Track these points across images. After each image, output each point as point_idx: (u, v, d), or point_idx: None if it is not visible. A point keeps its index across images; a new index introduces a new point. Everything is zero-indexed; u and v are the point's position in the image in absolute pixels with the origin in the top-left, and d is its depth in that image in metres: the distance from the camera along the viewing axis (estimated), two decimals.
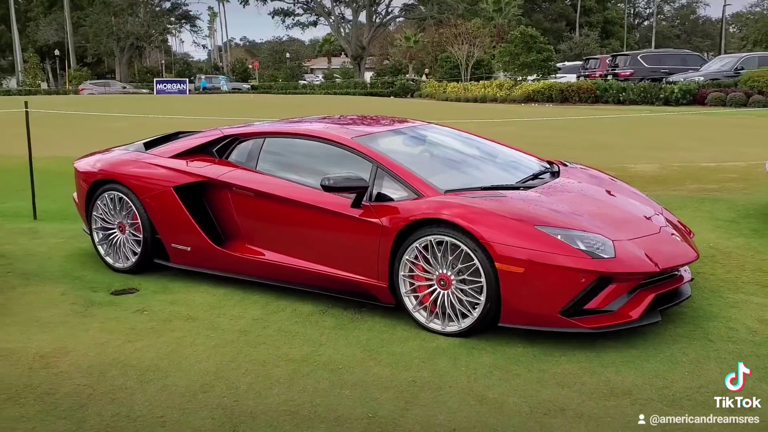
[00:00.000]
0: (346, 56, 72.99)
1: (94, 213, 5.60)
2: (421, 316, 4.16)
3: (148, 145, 5.62)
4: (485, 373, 3.59)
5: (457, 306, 4.01)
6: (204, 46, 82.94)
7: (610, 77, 30.49)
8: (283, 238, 4.75)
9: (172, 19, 70.71)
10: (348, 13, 65.84)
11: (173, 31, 75.62)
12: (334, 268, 4.51)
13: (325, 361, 3.78)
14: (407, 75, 54.56)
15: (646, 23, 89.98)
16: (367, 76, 60.95)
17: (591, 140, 14.94)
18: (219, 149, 5.25)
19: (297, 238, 4.67)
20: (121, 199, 5.41)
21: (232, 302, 4.78)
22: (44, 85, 61.90)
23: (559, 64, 36.45)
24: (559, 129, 17.50)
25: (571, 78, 34.46)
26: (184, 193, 5.12)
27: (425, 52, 57.95)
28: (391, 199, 4.35)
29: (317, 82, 60.47)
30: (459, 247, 3.92)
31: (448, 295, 4.04)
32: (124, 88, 58.83)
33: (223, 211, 5.08)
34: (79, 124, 20.47)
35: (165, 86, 47.54)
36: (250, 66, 63.70)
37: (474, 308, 3.96)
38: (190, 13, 73.76)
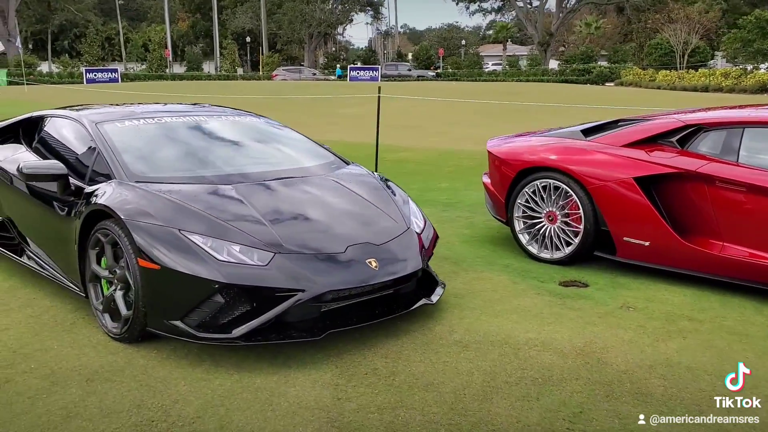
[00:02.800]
0: (514, 44, 71.08)
1: (519, 201, 5.50)
2: None
3: (587, 133, 5.41)
4: None
5: None
6: (386, 32, 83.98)
7: None
8: None
9: (358, 6, 72.68)
10: None
11: (354, 18, 77.67)
12: None
13: None
14: (599, 62, 52.22)
15: None
16: (551, 63, 59.13)
17: None
18: (680, 139, 4.93)
19: None
20: (557, 188, 5.25)
21: (717, 304, 4.45)
22: (240, 71, 66.02)
23: None
24: None
25: None
26: (642, 184, 4.85)
27: (605, 38, 55.27)
28: None
29: (488, 69, 59.41)
30: None
31: None
32: (314, 74, 61.24)
33: (689, 206, 4.76)
34: (317, 110, 21.33)
35: (358, 73, 48.84)
36: (433, 53, 63.83)
37: None
38: (374, 0, 75.52)
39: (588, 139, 5.32)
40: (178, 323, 3.51)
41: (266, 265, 3.52)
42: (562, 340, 3.88)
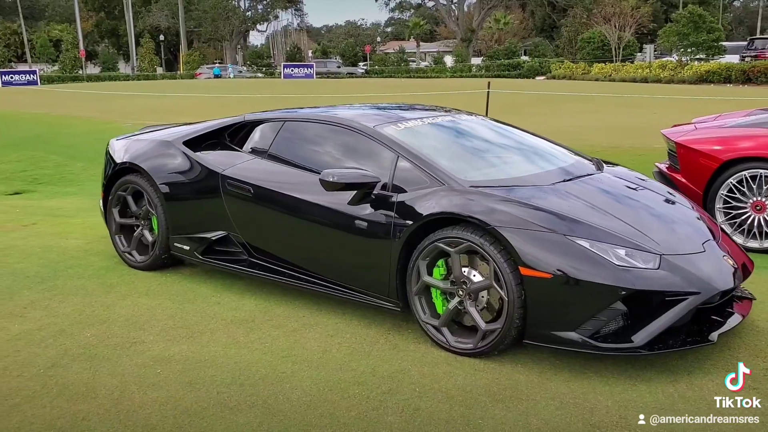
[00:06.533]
0: (422, 41, 72.45)
1: (721, 192, 5.53)
2: None
3: None
4: None
5: None
6: (285, 29, 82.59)
7: None
8: None
9: (281, 3, 71.53)
10: None
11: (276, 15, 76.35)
12: None
13: None
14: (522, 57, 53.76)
15: (737, 3, 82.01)
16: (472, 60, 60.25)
17: None
18: None
19: None
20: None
21: None
22: (159, 70, 63.44)
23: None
24: None
25: (732, 59, 33.21)
26: None
27: (512, 33, 57.21)
28: None
29: (415, 65, 60.00)
30: None
31: None
32: (240, 72, 59.82)
33: None
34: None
35: (293, 70, 48.05)
36: (359, 50, 63.62)
37: None
38: None
39: None
40: (571, 334, 3.28)
41: (658, 268, 3.34)
42: None
